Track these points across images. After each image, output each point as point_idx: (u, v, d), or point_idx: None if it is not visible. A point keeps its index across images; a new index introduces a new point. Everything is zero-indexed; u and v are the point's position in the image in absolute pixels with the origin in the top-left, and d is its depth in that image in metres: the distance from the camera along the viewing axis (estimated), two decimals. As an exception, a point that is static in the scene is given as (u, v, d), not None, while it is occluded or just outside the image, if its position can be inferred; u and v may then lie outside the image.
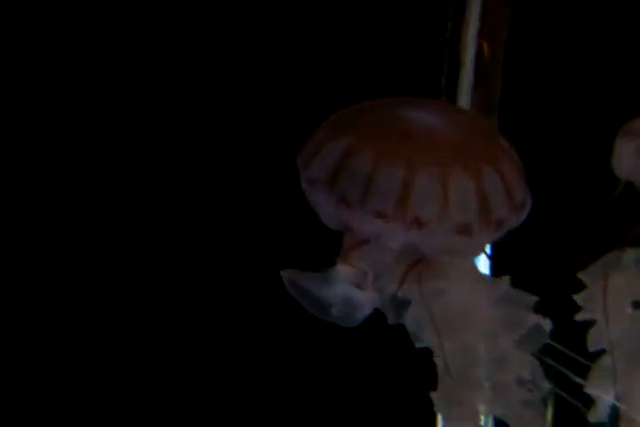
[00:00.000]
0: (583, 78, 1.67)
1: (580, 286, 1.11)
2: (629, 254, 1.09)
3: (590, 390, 1.10)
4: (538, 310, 1.08)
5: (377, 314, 1.09)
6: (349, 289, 1.08)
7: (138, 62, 1.79)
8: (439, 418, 1.32)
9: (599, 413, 1.10)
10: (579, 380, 1.12)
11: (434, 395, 1.08)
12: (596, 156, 1.31)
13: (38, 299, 1.81)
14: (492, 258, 1.25)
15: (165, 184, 1.81)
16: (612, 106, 1.62)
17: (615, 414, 1.10)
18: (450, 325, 1.05)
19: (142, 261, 1.82)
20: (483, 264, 1.23)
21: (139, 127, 1.81)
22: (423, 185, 1.02)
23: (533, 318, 1.07)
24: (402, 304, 1.07)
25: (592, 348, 1.10)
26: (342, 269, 1.08)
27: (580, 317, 1.10)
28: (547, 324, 1.07)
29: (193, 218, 1.82)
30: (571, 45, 1.63)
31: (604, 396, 1.08)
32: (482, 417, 1.08)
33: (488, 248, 1.18)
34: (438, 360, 1.07)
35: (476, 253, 1.10)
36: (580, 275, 1.10)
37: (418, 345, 1.08)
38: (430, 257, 1.05)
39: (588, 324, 1.10)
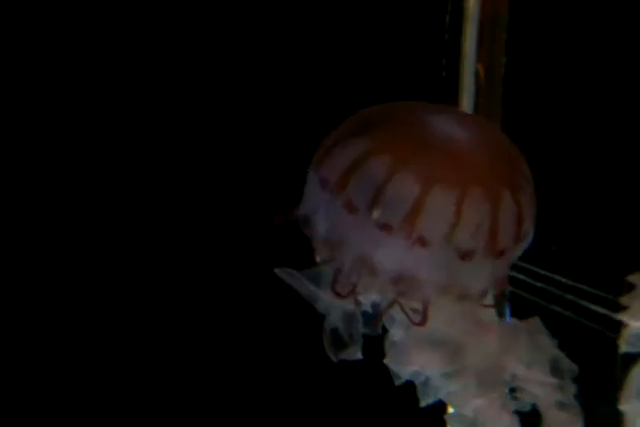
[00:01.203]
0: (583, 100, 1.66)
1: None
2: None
3: (626, 407, 1.08)
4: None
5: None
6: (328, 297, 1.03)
7: (141, 63, 1.78)
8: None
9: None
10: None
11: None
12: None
13: (37, 299, 1.79)
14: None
15: (160, 181, 1.79)
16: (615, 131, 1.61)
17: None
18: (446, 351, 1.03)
19: (139, 260, 1.79)
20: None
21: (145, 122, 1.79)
22: (436, 204, 0.97)
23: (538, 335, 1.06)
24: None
25: (626, 349, 1.08)
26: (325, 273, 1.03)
27: (623, 316, 1.08)
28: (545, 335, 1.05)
29: (195, 216, 1.80)
30: (568, 68, 1.63)
31: None
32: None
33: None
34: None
35: (482, 287, 1.04)
36: (631, 278, 1.08)
37: None
38: (423, 281, 1.01)
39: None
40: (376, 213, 0.97)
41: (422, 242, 0.97)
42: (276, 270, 1.03)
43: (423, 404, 1.04)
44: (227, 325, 1.79)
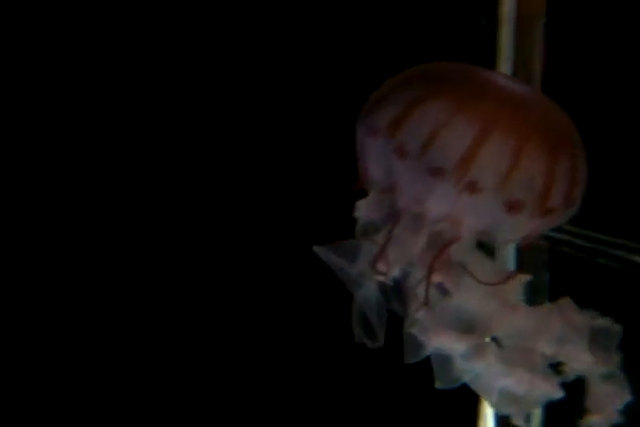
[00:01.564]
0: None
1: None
2: None
3: None
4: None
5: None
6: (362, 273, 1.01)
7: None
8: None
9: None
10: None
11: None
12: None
13: (38, 299, 1.80)
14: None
15: (187, 159, 1.79)
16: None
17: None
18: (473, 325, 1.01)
19: (157, 242, 1.80)
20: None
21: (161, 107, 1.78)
22: (493, 151, 0.95)
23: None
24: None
25: None
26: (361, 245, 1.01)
27: None
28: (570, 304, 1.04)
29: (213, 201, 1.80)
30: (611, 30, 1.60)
31: None
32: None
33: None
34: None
35: (512, 239, 1.03)
36: None
37: None
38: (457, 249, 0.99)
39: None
40: (429, 157, 0.95)
41: (473, 188, 0.96)
42: (314, 247, 1.02)
43: (438, 385, 1.02)
44: (250, 301, 1.80)
